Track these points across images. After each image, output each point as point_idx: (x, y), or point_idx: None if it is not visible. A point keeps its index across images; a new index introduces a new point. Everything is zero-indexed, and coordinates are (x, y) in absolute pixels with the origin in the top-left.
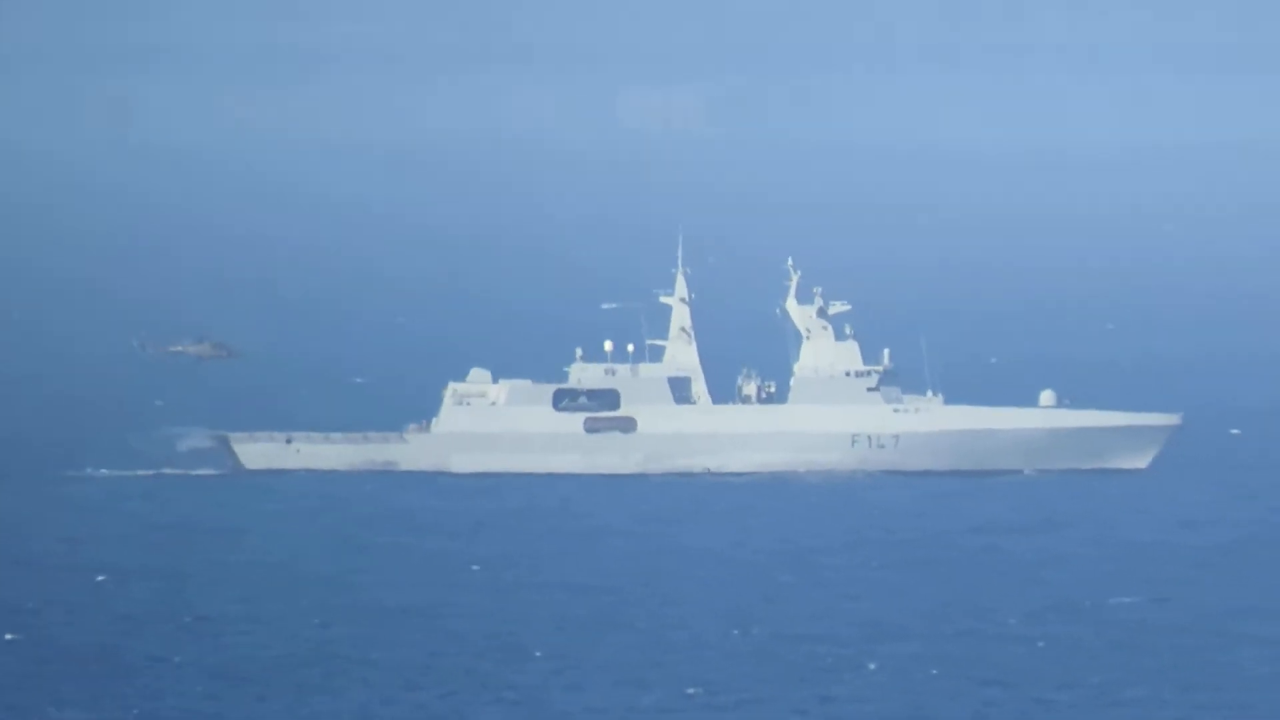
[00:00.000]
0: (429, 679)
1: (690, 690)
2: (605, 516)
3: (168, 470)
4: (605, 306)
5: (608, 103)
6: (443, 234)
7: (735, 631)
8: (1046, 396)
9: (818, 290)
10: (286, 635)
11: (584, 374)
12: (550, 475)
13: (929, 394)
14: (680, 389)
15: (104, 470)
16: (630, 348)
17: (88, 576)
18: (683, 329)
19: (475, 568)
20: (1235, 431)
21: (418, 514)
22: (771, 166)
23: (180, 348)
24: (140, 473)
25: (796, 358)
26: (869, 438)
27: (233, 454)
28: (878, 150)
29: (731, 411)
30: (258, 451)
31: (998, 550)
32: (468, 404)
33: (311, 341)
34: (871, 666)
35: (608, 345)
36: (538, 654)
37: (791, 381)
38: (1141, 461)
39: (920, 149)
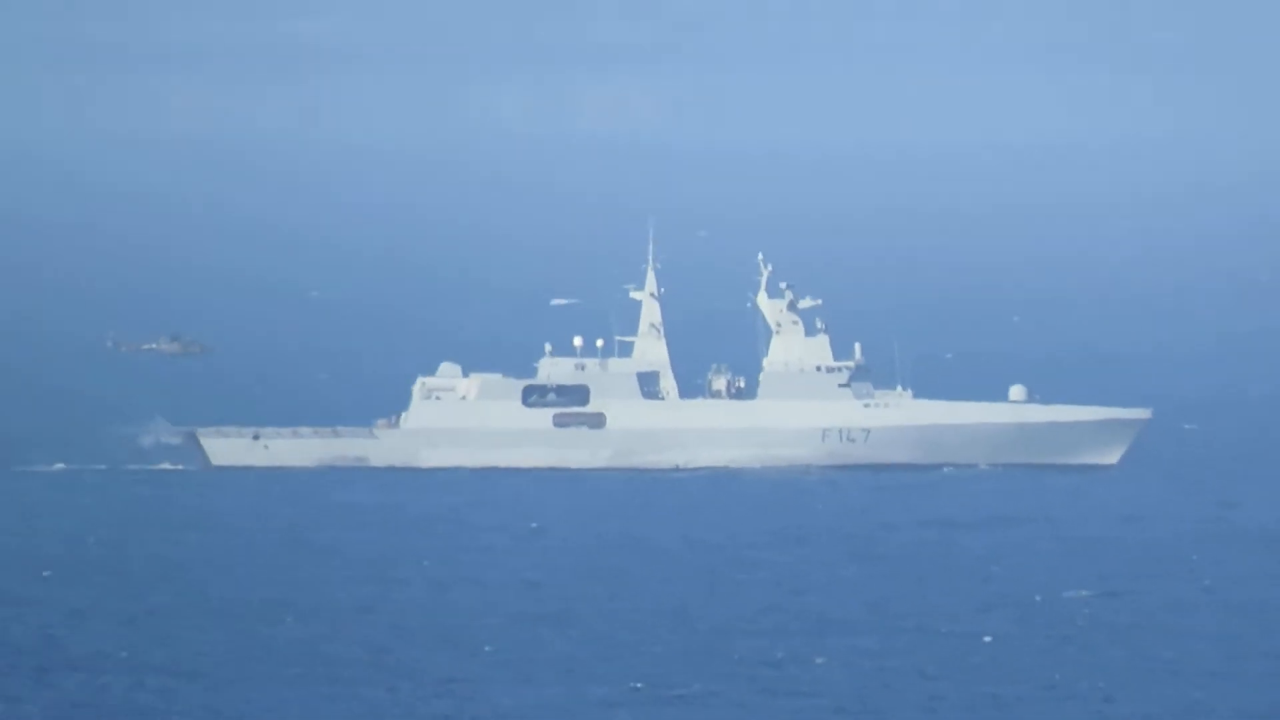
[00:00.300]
0: (376, 674)
1: (636, 684)
2: (560, 511)
3: (132, 466)
4: (555, 302)
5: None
6: (408, 225)
7: (681, 626)
8: (1016, 391)
9: (786, 285)
10: (235, 630)
11: (553, 369)
12: (517, 470)
13: (899, 389)
14: (649, 384)
15: (60, 465)
16: (599, 343)
17: (35, 571)
18: (652, 324)
19: (426, 563)
20: (1189, 426)
21: (373, 510)
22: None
23: (153, 345)
24: (102, 468)
25: (766, 353)
26: (839, 432)
27: (200, 450)
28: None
29: (701, 407)
30: (225, 447)
31: (950, 545)
32: (437, 398)
33: (278, 335)
34: (819, 660)
35: (577, 340)
36: (487, 649)
37: (761, 376)
38: (1112, 456)
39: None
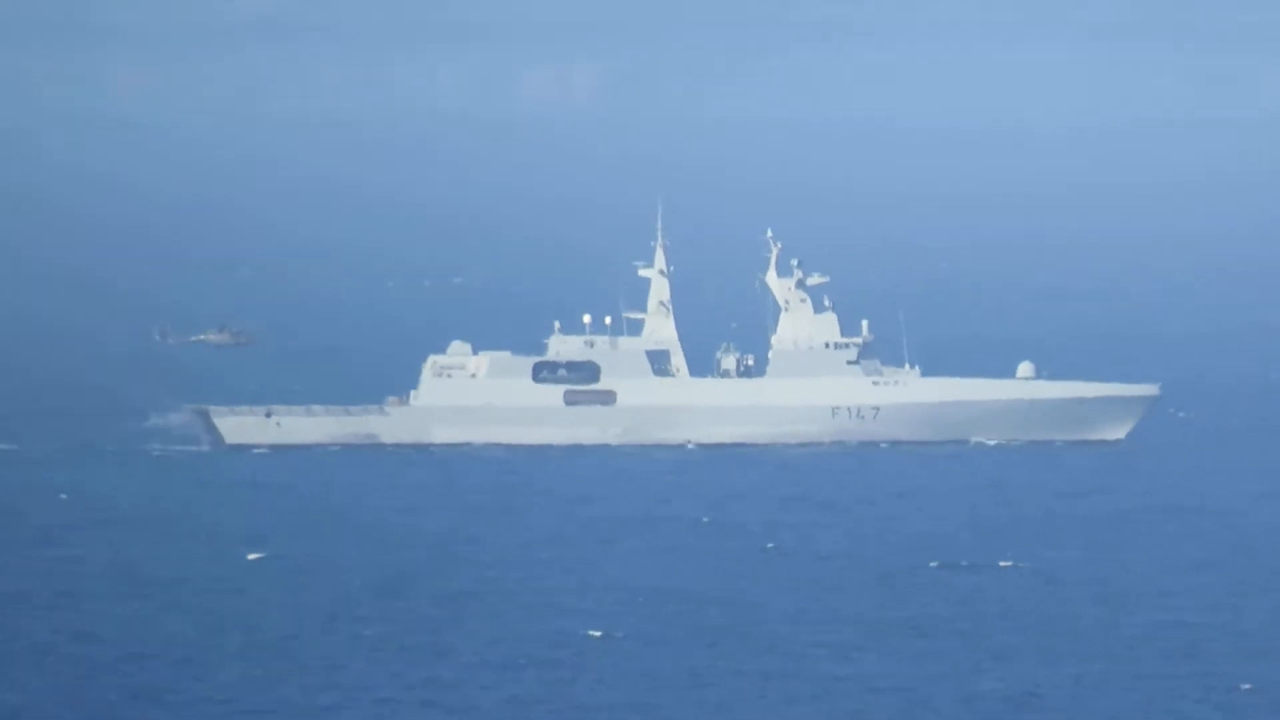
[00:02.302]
0: (345, 655)
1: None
2: (540, 488)
3: (147, 446)
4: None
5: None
6: (399, 207)
7: (625, 590)
8: (1024, 368)
9: (796, 262)
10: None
11: (563, 346)
12: (527, 447)
13: (907, 366)
14: (659, 362)
15: (71, 444)
16: (608, 320)
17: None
18: (661, 302)
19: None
20: (1182, 414)
21: (354, 486)
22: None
23: (201, 336)
24: (115, 448)
25: (775, 330)
26: (848, 410)
27: (213, 428)
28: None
29: (710, 384)
30: (238, 425)
31: (904, 515)
32: (448, 376)
33: (291, 316)
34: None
35: (586, 318)
36: (423, 611)
37: (770, 354)
38: (1119, 432)
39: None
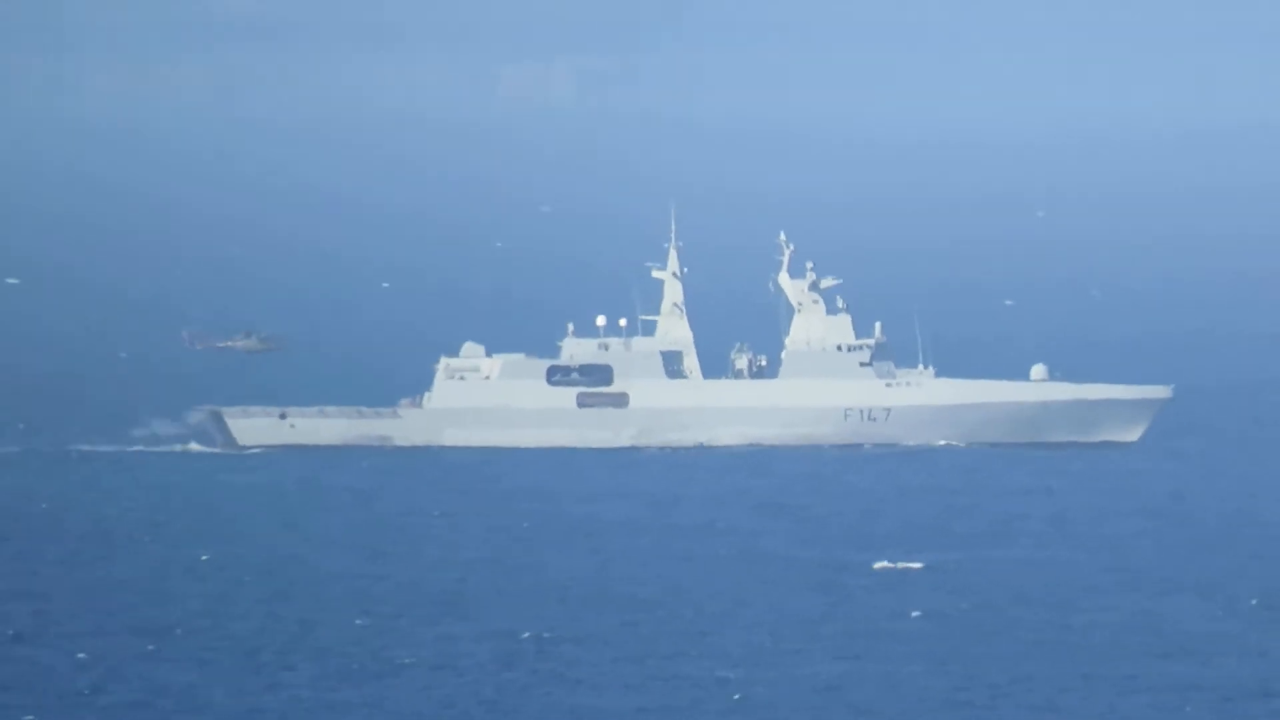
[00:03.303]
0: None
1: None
2: (544, 490)
3: (159, 447)
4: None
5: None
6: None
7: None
8: (1038, 370)
9: (810, 264)
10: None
11: (577, 349)
12: (541, 450)
13: (921, 368)
14: (672, 363)
15: (84, 446)
16: (622, 322)
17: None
18: (675, 304)
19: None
20: (1194, 416)
21: (342, 490)
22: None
23: (229, 342)
24: (125, 448)
25: (788, 332)
26: (861, 411)
27: (226, 429)
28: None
29: (723, 386)
30: (251, 427)
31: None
32: (461, 378)
33: (303, 319)
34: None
35: (600, 320)
36: (360, 621)
37: (783, 355)
38: (1132, 434)
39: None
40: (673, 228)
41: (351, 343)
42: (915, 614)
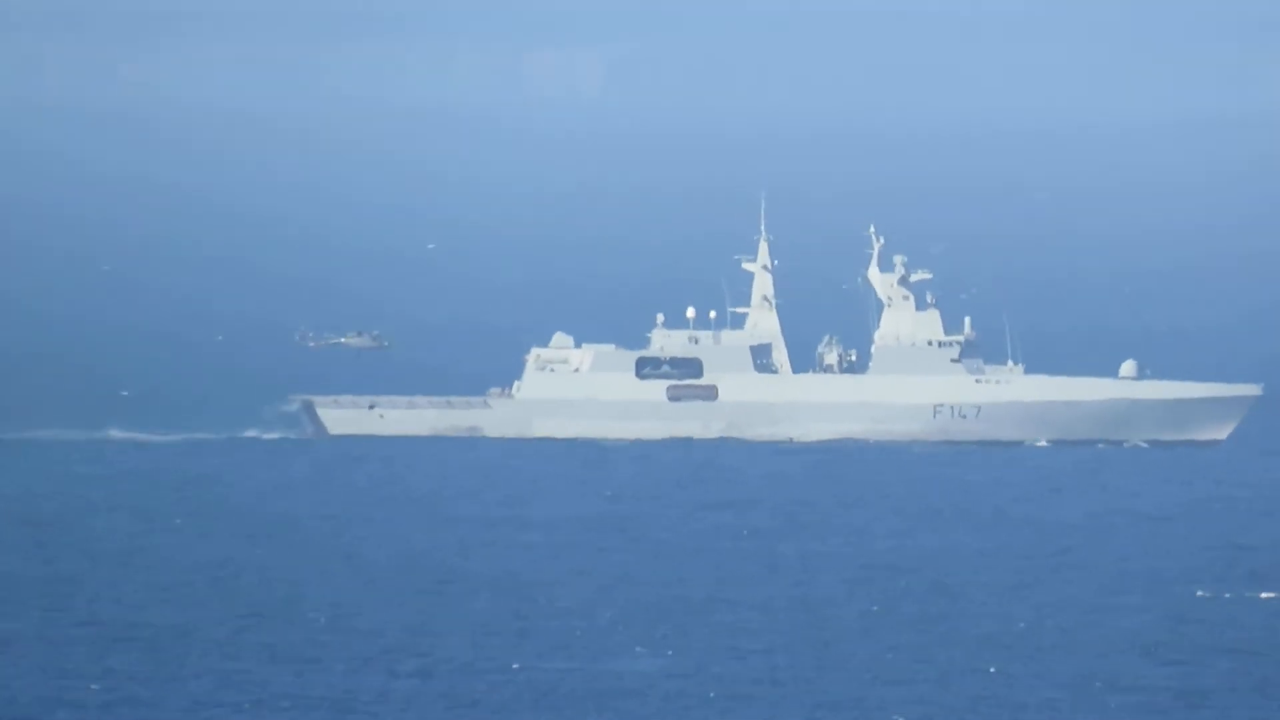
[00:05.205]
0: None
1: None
2: (571, 481)
3: (250, 434)
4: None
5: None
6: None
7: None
8: (1127, 367)
9: (900, 259)
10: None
11: (666, 341)
12: (626, 442)
13: (1010, 364)
14: (762, 357)
15: (178, 434)
16: (712, 314)
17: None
18: (764, 296)
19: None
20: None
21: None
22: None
23: (342, 339)
24: (219, 436)
25: (877, 326)
26: (951, 408)
27: (317, 419)
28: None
29: (813, 380)
30: (342, 417)
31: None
32: (551, 370)
33: (399, 307)
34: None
35: (690, 312)
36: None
37: (872, 350)
38: (1221, 432)
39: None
40: (762, 221)
41: (446, 336)
42: None
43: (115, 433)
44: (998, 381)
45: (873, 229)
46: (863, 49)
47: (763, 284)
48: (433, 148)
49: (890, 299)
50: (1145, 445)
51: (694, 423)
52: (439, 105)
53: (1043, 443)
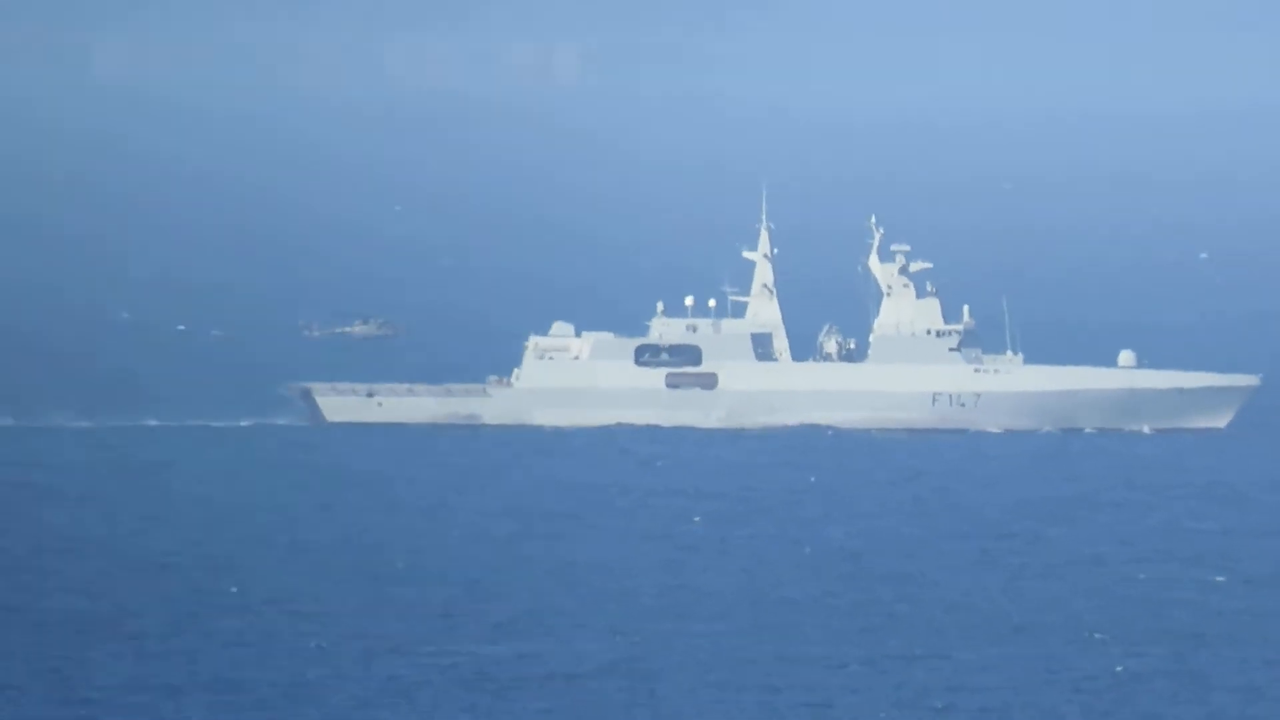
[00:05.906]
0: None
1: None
2: (540, 465)
3: (245, 421)
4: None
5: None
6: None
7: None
8: (1126, 357)
9: (900, 249)
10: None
11: (666, 329)
12: (628, 428)
13: (1009, 353)
14: (761, 345)
15: (170, 421)
16: (711, 303)
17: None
18: (765, 285)
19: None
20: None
21: (325, 467)
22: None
23: (345, 328)
24: (213, 423)
25: (877, 315)
26: (949, 397)
27: (315, 406)
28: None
29: (812, 369)
30: (340, 404)
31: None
32: (550, 358)
33: (402, 295)
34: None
35: (689, 300)
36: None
37: (871, 339)
38: (1220, 421)
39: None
40: (763, 210)
41: (446, 324)
42: None
43: (117, 421)
44: (997, 371)
45: (873, 219)
46: (861, 43)
47: (763, 272)
48: (429, 141)
49: (890, 288)
50: (1149, 432)
51: (693, 411)
52: (435, 104)
53: (1048, 428)
